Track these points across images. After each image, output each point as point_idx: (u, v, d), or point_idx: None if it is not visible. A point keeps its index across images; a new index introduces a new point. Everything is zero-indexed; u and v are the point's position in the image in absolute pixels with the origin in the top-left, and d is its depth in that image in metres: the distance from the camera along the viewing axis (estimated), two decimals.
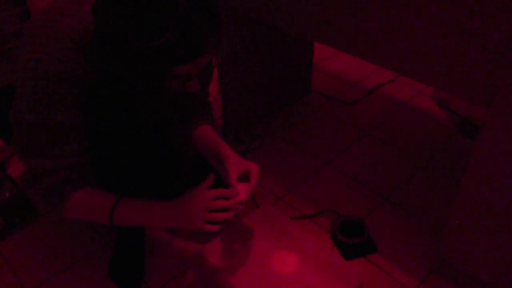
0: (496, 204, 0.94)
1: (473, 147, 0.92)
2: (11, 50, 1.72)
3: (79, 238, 1.29)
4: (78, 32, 0.85)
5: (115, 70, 0.84)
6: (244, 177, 1.04)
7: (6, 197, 1.32)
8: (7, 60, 1.65)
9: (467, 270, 1.09)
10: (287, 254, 1.08)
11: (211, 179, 0.99)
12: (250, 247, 1.10)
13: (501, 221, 0.95)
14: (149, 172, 1.14)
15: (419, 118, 1.75)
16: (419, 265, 1.19)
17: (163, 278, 1.18)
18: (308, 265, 1.05)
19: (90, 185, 0.96)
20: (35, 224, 1.33)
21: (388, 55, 1.00)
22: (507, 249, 0.98)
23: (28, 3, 1.75)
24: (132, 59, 0.77)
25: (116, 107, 0.95)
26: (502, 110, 0.84)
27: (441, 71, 0.91)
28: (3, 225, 1.29)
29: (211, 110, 1.22)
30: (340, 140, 1.65)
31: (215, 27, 0.80)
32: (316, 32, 1.13)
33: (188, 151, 1.19)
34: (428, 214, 1.34)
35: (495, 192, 0.93)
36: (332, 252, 1.21)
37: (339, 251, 1.23)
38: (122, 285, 1.16)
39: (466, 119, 1.64)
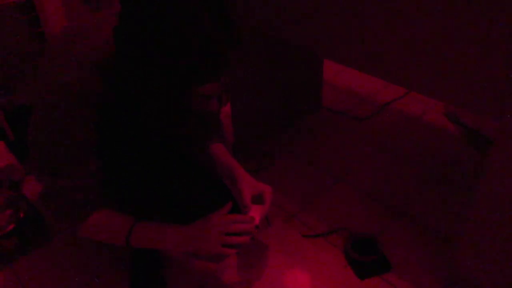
0: (510, 217, 0.93)
1: (485, 160, 0.91)
2: (25, 71, 1.75)
3: (94, 258, 1.29)
4: (98, 53, 0.86)
5: (138, 91, 0.84)
6: (257, 198, 1.04)
7: (21, 217, 1.34)
8: (22, 81, 1.68)
9: (483, 287, 1.07)
10: (300, 273, 1.08)
11: (229, 206, 0.99)
12: (264, 264, 1.09)
13: None
14: (166, 193, 1.14)
15: (430, 133, 1.74)
16: (435, 282, 1.18)
17: None
18: (321, 284, 1.04)
19: (106, 205, 0.96)
20: (49, 243, 1.34)
21: (398, 70, 1.00)
22: None
23: (43, 25, 1.79)
24: (157, 79, 0.78)
25: (135, 127, 0.96)
26: None
27: (452, 86, 0.91)
28: (18, 244, 1.30)
29: (222, 127, 1.23)
30: (351, 156, 1.64)
31: (237, 45, 0.81)
32: (326, 48, 1.14)
33: (206, 172, 1.20)
34: (442, 229, 1.32)
35: (510, 205, 0.92)
36: (345, 271, 1.20)
37: (353, 270, 1.21)
38: None
39: (477, 133, 1.63)
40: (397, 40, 0.97)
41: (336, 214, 1.40)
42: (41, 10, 1.75)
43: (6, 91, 1.63)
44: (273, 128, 1.75)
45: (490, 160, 0.91)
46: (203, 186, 1.16)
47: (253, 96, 1.58)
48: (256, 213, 1.00)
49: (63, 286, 1.22)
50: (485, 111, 0.89)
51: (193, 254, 1.27)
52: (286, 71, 1.66)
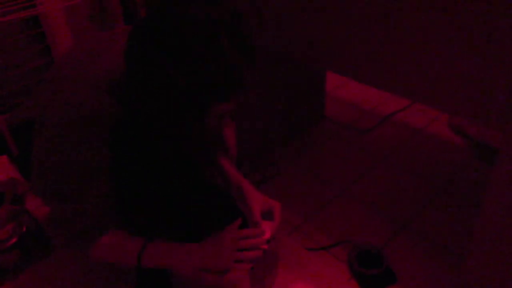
0: None
1: (490, 172, 0.90)
2: (31, 86, 1.77)
3: (96, 271, 1.28)
4: (110, 74, 0.85)
5: (153, 111, 0.82)
6: (266, 214, 1.04)
7: (23, 231, 1.33)
8: (26, 96, 1.70)
9: None
10: (304, 287, 1.06)
11: (239, 221, 0.99)
12: (275, 276, 1.09)
13: None
14: (177, 211, 1.13)
15: (434, 145, 1.73)
16: None
17: None
18: None
19: (117, 227, 0.95)
20: (51, 256, 1.33)
21: (401, 82, 1.00)
22: None
23: (48, 40, 1.81)
24: (174, 99, 0.77)
25: (148, 146, 0.95)
26: None
27: (456, 97, 0.91)
28: (20, 258, 1.29)
29: (226, 142, 1.23)
30: (355, 167, 1.63)
31: (253, 64, 0.80)
32: (329, 61, 1.14)
33: (216, 188, 1.19)
34: (448, 241, 1.30)
35: None
36: (349, 284, 1.18)
37: (357, 283, 1.20)
38: None
39: (482, 144, 1.62)
40: (400, 51, 0.97)
41: (340, 227, 1.38)
42: (47, 25, 1.77)
43: (11, 105, 1.64)
44: (277, 140, 1.75)
45: (495, 171, 0.90)
46: (213, 203, 1.16)
47: (257, 107, 1.58)
48: (266, 229, 1.01)
49: None
50: (489, 122, 0.88)
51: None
52: (290, 83, 1.66)
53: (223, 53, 0.73)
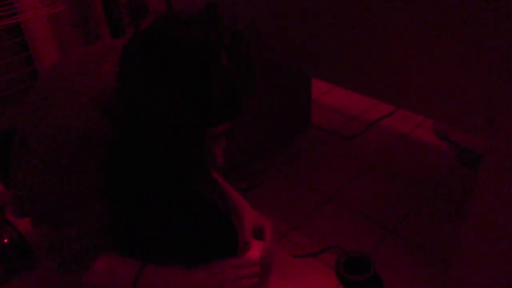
0: (503, 234, 0.92)
1: (475, 177, 0.91)
2: (13, 95, 1.74)
3: (80, 284, 1.26)
4: (100, 92, 0.82)
5: (151, 132, 0.81)
6: (258, 232, 1.05)
7: (5, 243, 1.30)
8: (8, 105, 1.67)
9: None
10: None
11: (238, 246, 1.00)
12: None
13: (511, 253, 0.93)
14: (174, 231, 1.11)
15: (420, 150, 1.75)
16: None
17: None
18: None
19: (111, 248, 0.92)
20: (35, 268, 1.30)
21: (386, 88, 1.01)
22: None
23: (31, 49, 1.79)
24: (174, 122, 0.75)
25: (144, 165, 0.93)
26: (502, 139, 0.84)
27: (440, 103, 0.92)
28: (2, 271, 1.26)
29: (213, 152, 1.22)
30: (341, 174, 1.64)
31: (253, 84, 0.80)
32: (314, 68, 1.15)
33: (214, 207, 1.18)
34: (435, 247, 1.31)
35: (501, 221, 0.91)
36: None
37: None
38: None
39: (467, 150, 1.64)
40: (385, 58, 0.97)
41: (327, 233, 1.38)
42: (29, 34, 1.75)
43: None
44: (263, 148, 1.74)
45: (480, 176, 0.91)
46: (210, 221, 1.14)
47: (242, 115, 1.58)
48: (257, 248, 1.02)
49: None
50: (473, 127, 0.89)
51: None
52: (275, 91, 1.66)
53: (224, 75, 0.73)
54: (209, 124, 0.79)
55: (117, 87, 0.81)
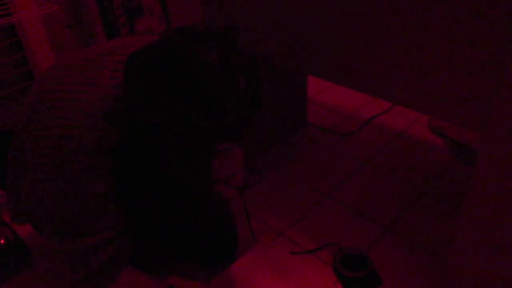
0: (499, 229, 0.93)
1: (471, 173, 0.92)
2: (7, 96, 1.74)
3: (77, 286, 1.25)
4: (103, 100, 0.81)
5: (162, 147, 0.79)
6: None
7: (1, 243, 1.30)
8: (2, 106, 1.67)
9: None
10: None
11: None
12: (253, 283, 1.08)
13: (506, 247, 0.93)
14: (178, 234, 1.11)
15: (416, 147, 1.75)
16: None
17: None
18: None
19: (131, 261, 0.91)
20: (31, 269, 1.30)
21: (382, 85, 1.01)
22: None
23: (25, 49, 1.78)
24: (186, 138, 0.74)
25: (153, 171, 0.91)
26: (496, 133, 0.84)
27: (435, 99, 0.92)
28: None
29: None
30: (338, 171, 1.64)
31: (261, 104, 0.80)
32: (310, 65, 1.15)
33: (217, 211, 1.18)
34: (431, 243, 1.31)
35: (496, 217, 0.92)
36: None
37: (342, 286, 1.20)
38: None
39: (463, 146, 1.64)
40: (380, 55, 0.98)
41: (324, 230, 1.38)
42: (23, 34, 1.74)
43: None
44: (259, 146, 1.74)
45: (475, 171, 0.91)
46: (217, 229, 1.13)
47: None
48: None
49: None
50: (468, 123, 0.89)
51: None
52: (271, 90, 1.66)
53: (240, 100, 0.73)
54: (221, 142, 0.78)
55: (118, 94, 0.81)
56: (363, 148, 1.75)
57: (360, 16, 0.98)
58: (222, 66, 0.71)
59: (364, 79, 1.04)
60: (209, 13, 1.35)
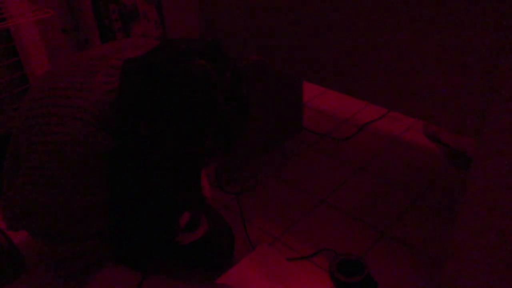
0: (494, 234, 0.93)
1: (466, 178, 0.92)
2: (3, 100, 1.73)
3: None
4: (96, 106, 0.82)
5: (151, 158, 0.82)
6: None
7: None
8: None
9: None
10: None
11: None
12: None
13: (501, 253, 0.94)
14: (174, 241, 1.11)
15: (411, 152, 1.76)
16: None
17: None
18: None
19: (111, 259, 0.92)
20: (24, 276, 1.29)
21: (377, 91, 1.01)
22: (509, 279, 0.96)
23: (21, 54, 1.77)
24: (171, 152, 0.77)
25: (143, 176, 0.93)
26: (491, 140, 0.84)
27: (430, 105, 0.92)
28: None
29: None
30: (333, 177, 1.64)
31: (247, 122, 0.81)
32: (306, 71, 1.15)
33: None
34: (427, 247, 1.31)
35: (491, 222, 0.92)
36: None
37: None
38: None
39: (458, 151, 1.65)
40: (376, 61, 0.98)
41: (320, 236, 1.38)
42: (19, 39, 1.74)
43: None
44: (255, 151, 1.74)
45: (470, 177, 0.91)
46: (212, 234, 1.14)
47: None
48: None
49: None
50: (463, 129, 0.90)
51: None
52: (267, 95, 1.66)
53: (219, 114, 0.73)
54: (203, 157, 0.79)
55: (111, 100, 0.82)
56: (359, 154, 1.76)
57: (356, 23, 0.98)
58: (202, 85, 0.72)
59: (358, 85, 1.04)
60: (205, 18, 1.35)
